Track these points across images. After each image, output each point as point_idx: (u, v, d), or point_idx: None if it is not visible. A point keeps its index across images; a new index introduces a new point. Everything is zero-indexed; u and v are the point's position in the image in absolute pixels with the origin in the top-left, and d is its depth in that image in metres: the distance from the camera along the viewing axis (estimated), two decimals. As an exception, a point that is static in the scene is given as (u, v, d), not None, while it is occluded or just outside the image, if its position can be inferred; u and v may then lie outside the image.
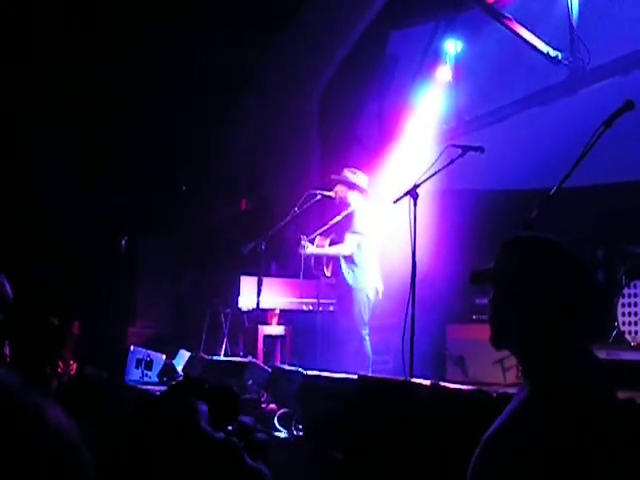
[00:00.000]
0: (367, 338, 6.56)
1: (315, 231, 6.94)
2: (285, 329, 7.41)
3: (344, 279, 6.64)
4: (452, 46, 8.52)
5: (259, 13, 9.15)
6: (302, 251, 6.65)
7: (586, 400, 1.79)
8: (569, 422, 1.75)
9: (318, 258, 6.88)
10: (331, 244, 6.85)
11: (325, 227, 6.86)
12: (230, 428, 1.46)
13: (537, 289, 1.94)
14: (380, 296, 6.67)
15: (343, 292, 6.69)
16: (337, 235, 6.83)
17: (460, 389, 3.54)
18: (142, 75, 9.58)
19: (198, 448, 1.34)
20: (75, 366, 7.52)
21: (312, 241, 6.83)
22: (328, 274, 6.90)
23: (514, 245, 2.07)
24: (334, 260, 6.82)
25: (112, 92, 9.47)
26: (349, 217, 6.72)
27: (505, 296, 1.99)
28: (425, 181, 5.08)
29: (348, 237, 6.65)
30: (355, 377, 4.30)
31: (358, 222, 6.64)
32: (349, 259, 6.65)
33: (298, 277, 7.25)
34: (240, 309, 7.24)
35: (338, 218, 6.79)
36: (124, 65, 9.46)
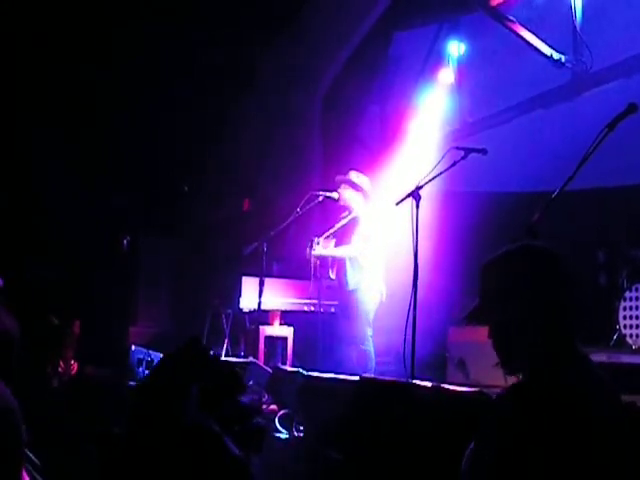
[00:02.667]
0: (371, 340, 6.56)
1: (319, 232, 6.93)
2: (286, 330, 7.41)
3: (348, 281, 6.64)
4: (455, 48, 8.53)
5: (260, 13, 9.15)
6: (311, 252, 6.63)
7: (566, 401, 1.79)
8: (544, 421, 1.76)
9: (323, 260, 6.86)
10: (336, 245, 6.84)
11: (332, 230, 6.85)
12: (223, 411, 1.43)
13: (525, 296, 1.95)
14: (384, 298, 6.66)
15: (347, 294, 6.69)
16: (341, 237, 6.83)
17: (461, 391, 3.54)
18: (142, 75, 9.58)
19: (174, 438, 1.31)
20: (76, 366, 7.51)
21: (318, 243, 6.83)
22: (333, 276, 6.89)
23: (490, 268, 2.07)
24: (338, 262, 6.81)
25: (112, 92, 9.46)
26: (355, 220, 6.73)
27: (501, 317, 1.99)
28: (427, 183, 5.07)
29: (355, 239, 6.65)
30: (356, 379, 4.30)
31: (364, 225, 6.65)
32: (354, 261, 6.65)
33: (300, 278, 7.26)
34: (241, 310, 7.23)
35: (343, 222, 6.79)
36: (124, 65, 9.46)
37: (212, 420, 1.28)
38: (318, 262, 6.83)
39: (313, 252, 6.64)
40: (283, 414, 4.79)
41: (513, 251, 2.06)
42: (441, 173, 5.14)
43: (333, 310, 7.18)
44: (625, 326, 6.30)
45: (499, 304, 2.00)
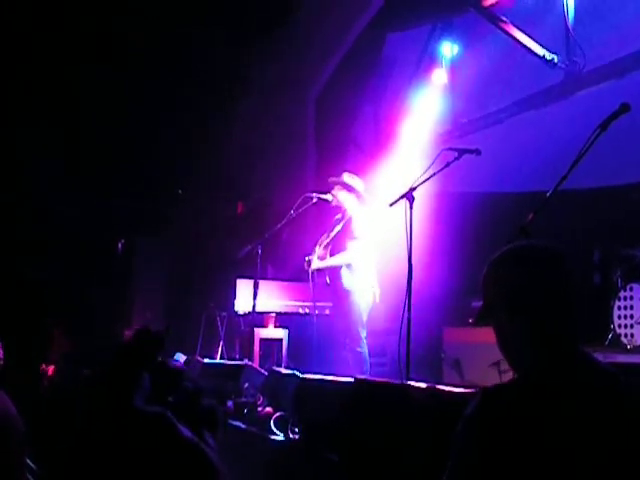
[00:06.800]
0: (365, 341, 6.55)
1: (313, 234, 6.93)
2: (281, 332, 7.40)
3: (342, 283, 6.63)
4: (448, 49, 8.55)
5: (256, 15, 9.16)
6: (308, 268, 6.66)
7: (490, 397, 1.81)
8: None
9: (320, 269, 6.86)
10: (331, 252, 6.83)
11: (328, 239, 6.84)
12: (171, 399, 1.42)
13: (527, 295, 1.95)
14: (377, 299, 6.65)
15: (341, 295, 6.68)
16: (336, 243, 6.81)
17: (456, 392, 3.54)
18: (138, 79, 9.59)
19: (128, 425, 1.31)
20: (51, 369, 7.48)
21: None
22: (329, 282, 6.88)
23: (488, 271, 2.06)
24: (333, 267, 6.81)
25: (111, 92, 9.47)
26: (348, 224, 6.71)
27: (502, 320, 2.00)
28: (421, 184, 5.07)
29: (350, 245, 6.64)
30: (351, 380, 4.30)
31: (357, 227, 6.63)
32: (349, 265, 6.64)
33: (294, 280, 7.26)
34: (236, 312, 7.23)
35: (338, 228, 6.78)
36: (123, 66, 9.47)
37: (163, 407, 1.27)
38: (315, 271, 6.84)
39: (312, 267, 6.66)
40: (278, 416, 4.79)
41: (512, 252, 2.05)
42: (435, 174, 5.14)
43: (328, 312, 7.18)
44: (620, 326, 6.29)
45: (499, 308, 2.00)
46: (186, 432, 1.38)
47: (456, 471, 1.81)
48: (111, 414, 1.37)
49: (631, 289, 6.34)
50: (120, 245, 10.10)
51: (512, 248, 2.05)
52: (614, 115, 3.88)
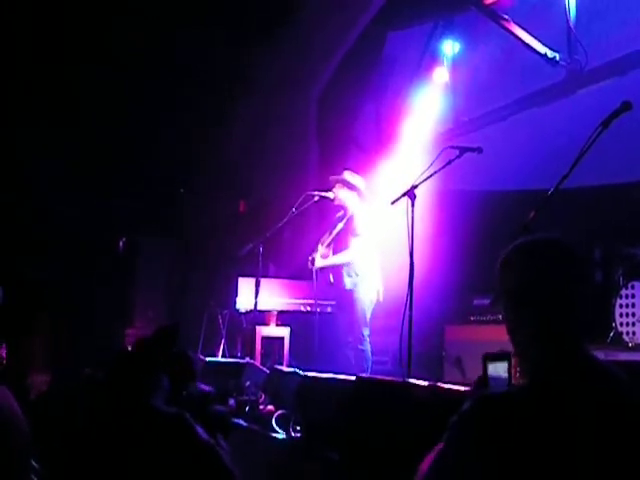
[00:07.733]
0: (368, 340, 6.55)
1: (315, 232, 6.92)
2: (283, 330, 7.40)
3: (346, 281, 6.63)
4: (450, 47, 8.54)
5: (256, 15, 9.16)
6: (312, 266, 6.66)
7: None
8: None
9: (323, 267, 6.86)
10: (334, 251, 6.83)
11: (330, 238, 6.84)
12: (184, 393, 1.41)
13: (541, 288, 1.93)
14: (381, 298, 6.65)
15: (344, 294, 6.68)
16: (339, 241, 6.81)
17: (458, 390, 3.53)
18: (139, 77, 9.59)
19: (146, 425, 1.30)
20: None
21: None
22: (332, 280, 6.88)
23: (502, 264, 2.04)
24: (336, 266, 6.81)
25: (111, 92, 9.47)
26: (349, 222, 6.72)
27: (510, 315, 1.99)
28: (423, 182, 5.07)
29: (353, 242, 6.64)
30: (353, 378, 4.30)
31: (359, 225, 6.64)
32: (352, 264, 6.64)
33: (296, 278, 7.26)
34: (238, 310, 7.23)
35: (340, 226, 6.79)
36: (123, 65, 9.47)
37: (182, 409, 1.27)
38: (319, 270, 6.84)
39: (315, 265, 6.66)
40: (280, 414, 4.79)
41: (523, 246, 2.04)
42: (436, 172, 5.14)
43: (329, 310, 7.18)
44: (621, 324, 6.28)
45: (507, 300, 2.00)
46: (203, 434, 1.38)
47: (451, 468, 1.80)
48: (126, 413, 1.36)
49: (632, 287, 6.33)
50: (121, 244, 10.10)
51: (523, 242, 2.05)
52: (616, 113, 3.87)
